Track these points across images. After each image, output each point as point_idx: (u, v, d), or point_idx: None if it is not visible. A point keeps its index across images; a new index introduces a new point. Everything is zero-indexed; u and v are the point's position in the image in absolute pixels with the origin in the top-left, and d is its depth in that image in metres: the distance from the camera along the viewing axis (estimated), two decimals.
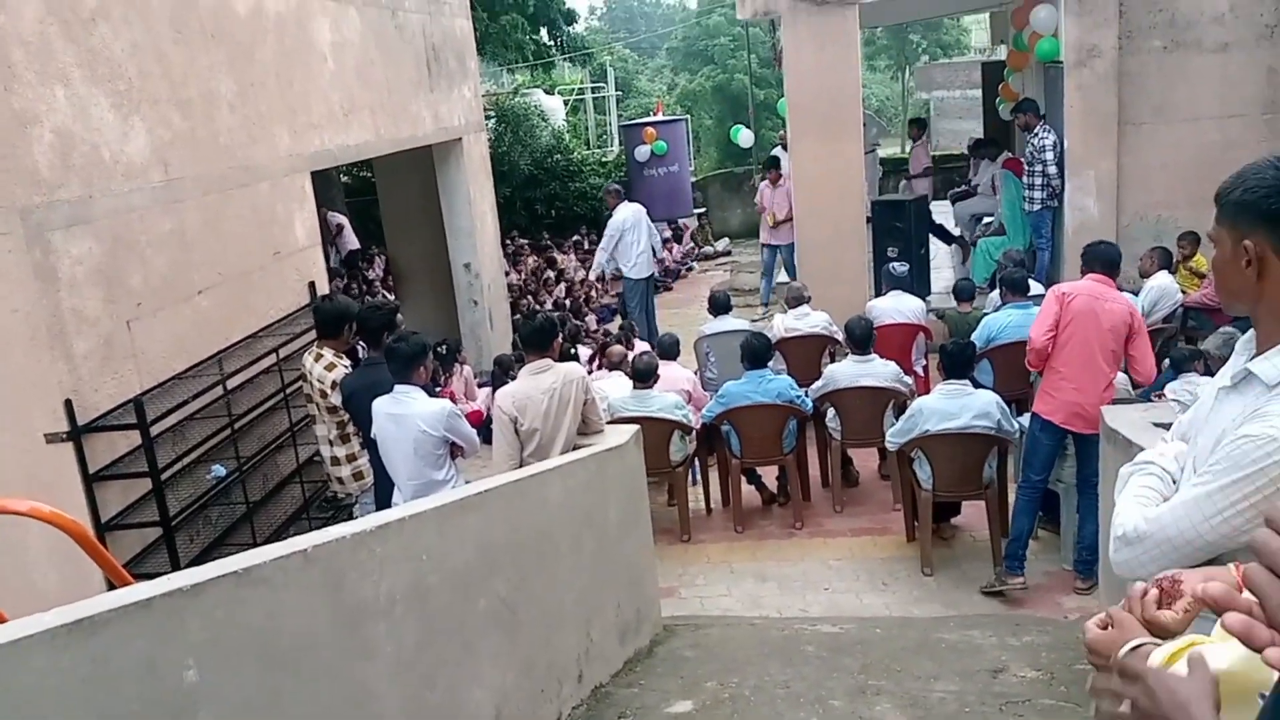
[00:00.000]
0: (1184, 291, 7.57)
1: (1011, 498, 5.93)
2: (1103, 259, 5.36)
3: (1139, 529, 1.88)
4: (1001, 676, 4.15)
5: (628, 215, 10.71)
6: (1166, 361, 5.95)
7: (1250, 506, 1.70)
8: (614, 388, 6.98)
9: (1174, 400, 5.22)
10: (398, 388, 4.68)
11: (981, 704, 3.87)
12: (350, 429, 5.36)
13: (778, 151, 14.15)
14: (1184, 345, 6.20)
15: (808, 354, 7.88)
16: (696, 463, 7.19)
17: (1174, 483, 1.96)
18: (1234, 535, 1.73)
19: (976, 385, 5.95)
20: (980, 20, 26.07)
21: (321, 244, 7.29)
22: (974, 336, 6.80)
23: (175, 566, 4.78)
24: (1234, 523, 1.72)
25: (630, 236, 10.69)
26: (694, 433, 6.84)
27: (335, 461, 5.48)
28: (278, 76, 6.57)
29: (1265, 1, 8.36)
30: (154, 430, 4.92)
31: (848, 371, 6.81)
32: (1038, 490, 5.42)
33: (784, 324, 8.07)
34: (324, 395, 5.32)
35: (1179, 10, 8.50)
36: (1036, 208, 9.06)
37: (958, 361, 5.91)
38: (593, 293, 14.10)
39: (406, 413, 4.63)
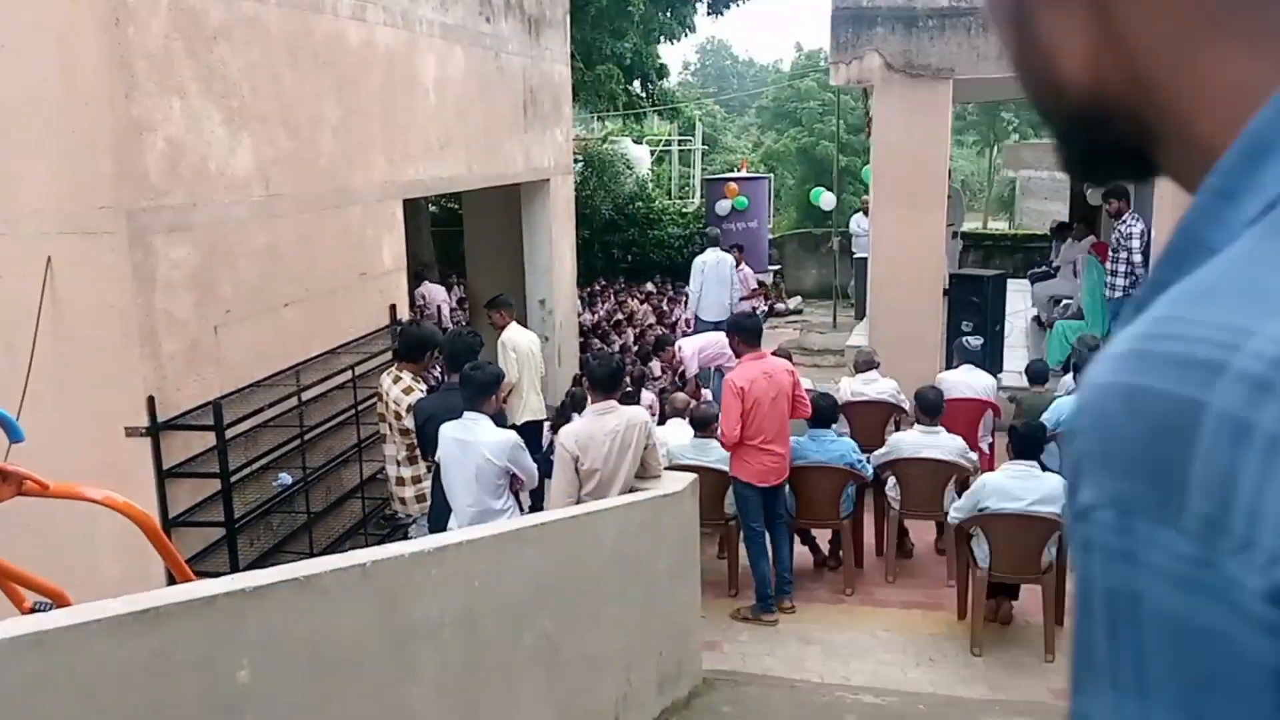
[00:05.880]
0: None
1: (1070, 586, 5.77)
2: (747, 329, 6.17)
3: None
4: None
5: (706, 258, 11.68)
6: None
7: None
8: (674, 435, 6.98)
9: None
10: (466, 414, 4.77)
11: None
12: (419, 451, 5.46)
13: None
14: None
15: (872, 420, 7.81)
16: None
17: None
18: None
19: (1044, 469, 5.85)
20: None
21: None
22: (1044, 418, 6.68)
23: (234, 568, 4.90)
24: None
25: (699, 279, 11.57)
26: None
27: (400, 482, 5.59)
28: (381, 106, 6.80)
29: None
30: (229, 434, 5.07)
31: (913, 441, 6.73)
32: (761, 534, 6.20)
33: (850, 388, 8.01)
34: (398, 417, 5.45)
35: None
36: (1118, 294, 8.92)
37: (1028, 443, 5.83)
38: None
39: (473, 439, 4.71)
